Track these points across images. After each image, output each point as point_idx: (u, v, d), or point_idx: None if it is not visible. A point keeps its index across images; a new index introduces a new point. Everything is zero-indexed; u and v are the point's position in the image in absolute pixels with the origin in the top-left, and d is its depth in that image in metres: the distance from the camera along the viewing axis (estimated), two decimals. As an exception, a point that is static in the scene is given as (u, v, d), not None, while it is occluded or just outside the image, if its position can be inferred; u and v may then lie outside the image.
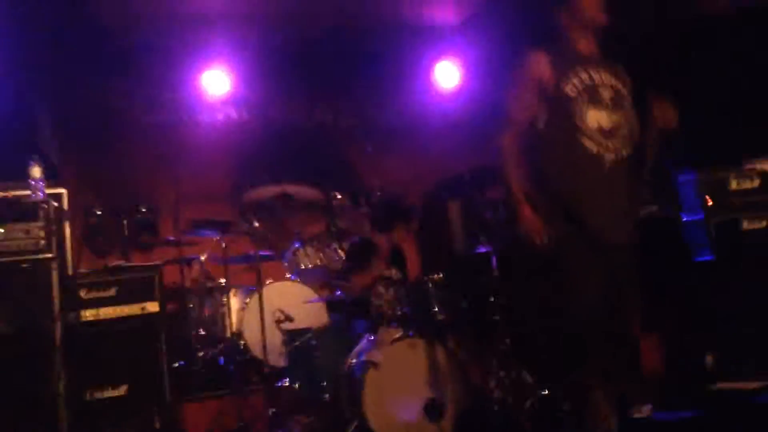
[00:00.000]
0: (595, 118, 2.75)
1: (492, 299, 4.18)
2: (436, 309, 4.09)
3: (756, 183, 4.47)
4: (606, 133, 2.76)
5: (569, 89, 2.78)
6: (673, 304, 4.34)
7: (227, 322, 4.89)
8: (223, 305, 4.95)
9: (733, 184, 4.42)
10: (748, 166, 4.51)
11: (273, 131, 6.34)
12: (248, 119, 6.38)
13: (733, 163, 4.50)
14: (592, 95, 2.77)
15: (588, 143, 2.75)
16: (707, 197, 4.33)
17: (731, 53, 5.24)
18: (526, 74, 2.84)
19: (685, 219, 4.47)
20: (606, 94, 2.80)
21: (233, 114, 6.38)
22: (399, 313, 4.16)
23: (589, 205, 2.75)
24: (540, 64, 2.81)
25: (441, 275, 4.15)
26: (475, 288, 4.21)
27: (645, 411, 2.96)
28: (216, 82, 6.15)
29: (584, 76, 2.80)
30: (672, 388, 4.08)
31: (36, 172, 3.79)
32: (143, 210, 5.45)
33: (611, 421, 2.75)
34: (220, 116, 6.37)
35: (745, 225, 4.40)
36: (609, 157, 2.77)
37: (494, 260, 4.20)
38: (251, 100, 6.40)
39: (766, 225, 4.38)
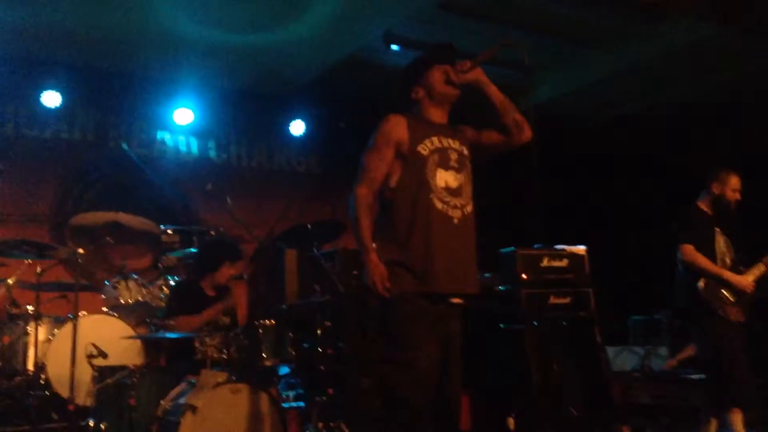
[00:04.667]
0: (444, 178, 2.99)
1: (320, 350, 4.21)
2: (264, 355, 4.05)
3: (564, 262, 4.98)
4: (453, 192, 3.00)
5: (422, 150, 3.01)
6: (483, 367, 4.64)
7: (29, 353, 4.48)
8: (26, 335, 4.53)
9: (545, 262, 4.90)
10: (559, 248, 5.02)
11: (108, 156, 6.04)
12: (81, 140, 6.03)
13: (546, 244, 5.00)
14: (442, 157, 3.03)
15: (436, 201, 2.96)
16: (522, 271, 4.76)
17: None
18: (386, 134, 3.02)
19: (502, 289, 4.85)
20: (453, 157, 3.06)
21: (65, 133, 6.01)
22: (225, 356, 4.06)
23: (436, 259, 2.91)
24: (399, 127, 3.02)
25: (272, 321, 4.13)
26: (305, 337, 4.23)
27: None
28: (50, 97, 5.81)
29: (435, 139, 3.06)
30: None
31: None
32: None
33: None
34: (48, 133, 5.98)
35: (552, 299, 4.87)
36: (456, 213, 2.99)
37: (327, 311, 4.26)
38: (87, 120, 6.08)
39: (569, 300, 4.87)
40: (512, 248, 4.87)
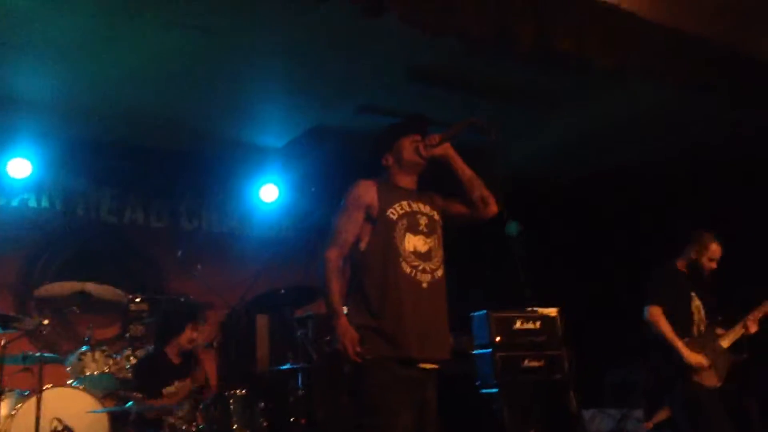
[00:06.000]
0: (412, 242, 3.01)
1: (293, 419, 4.13)
2: (235, 426, 3.96)
3: (537, 324, 4.99)
4: (422, 257, 3.01)
5: (391, 214, 3.04)
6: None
7: (-10, 430, 4.30)
8: (-12, 410, 4.37)
9: (518, 324, 4.90)
10: (531, 310, 5.04)
11: (76, 225, 5.99)
12: (49, 209, 5.97)
13: (518, 307, 5.02)
14: (411, 221, 3.06)
15: (405, 266, 2.97)
16: (496, 334, 4.75)
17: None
18: (356, 198, 3.06)
19: (475, 353, 4.83)
20: (422, 221, 3.08)
21: (32, 202, 5.96)
22: (194, 429, 3.95)
23: (406, 324, 2.90)
24: (369, 191, 3.06)
25: (243, 390, 4.05)
26: (278, 405, 4.14)
27: None
28: (17, 167, 5.78)
29: (405, 204, 3.09)
30: None
31: None
32: None
33: None
34: (16, 202, 5.92)
35: (526, 362, 4.85)
36: (425, 278, 3.00)
37: (300, 378, 4.19)
38: (56, 190, 6.03)
39: (543, 363, 4.86)
40: (484, 311, 4.88)
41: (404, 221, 3.04)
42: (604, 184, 7.32)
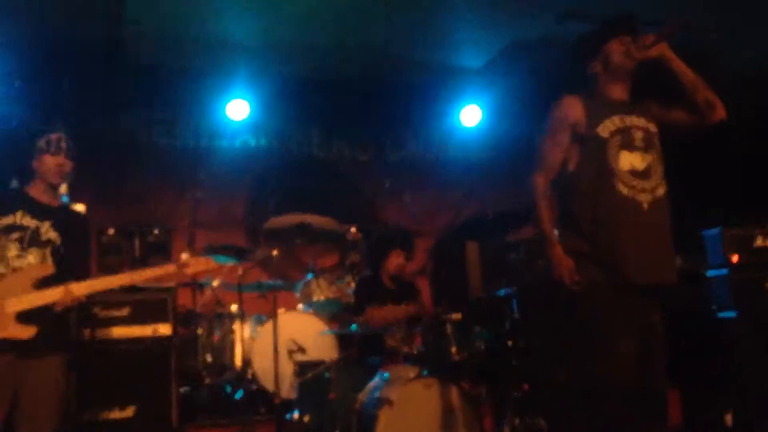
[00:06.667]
0: (628, 160, 2.78)
1: (510, 343, 4.12)
2: (453, 349, 4.02)
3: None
4: (640, 175, 2.78)
5: (602, 131, 2.81)
6: (694, 360, 4.28)
7: (236, 350, 4.80)
8: (232, 333, 4.87)
9: (759, 241, 4.40)
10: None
11: (291, 161, 6.35)
12: (266, 147, 6.38)
13: (758, 220, 4.49)
14: (625, 138, 2.81)
15: (621, 186, 2.75)
16: (732, 254, 4.31)
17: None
18: (560, 117, 2.86)
19: (709, 274, 4.43)
20: (638, 136, 2.82)
21: (251, 141, 6.39)
22: (414, 351, 4.08)
23: (625, 249, 2.72)
24: (574, 108, 2.85)
25: (459, 315, 4.09)
26: (494, 330, 4.15)
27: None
28: (236, 109, 6.20)
29: (616, 119, 2.84)
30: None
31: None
32: (156, 231, 5.39)
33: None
34: (238, 143, 6.38)
35: (768, 284, 4.37)
36: (645, 198, 2.77)
37: (515, 303, 4.15)
38: (270, 128, 6.41)
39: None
40: (718, 228, 4.43)
41: (617, 138, 2.80)
42: None
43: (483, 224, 4.61)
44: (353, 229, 5.45)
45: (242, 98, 6.19)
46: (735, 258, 4.32)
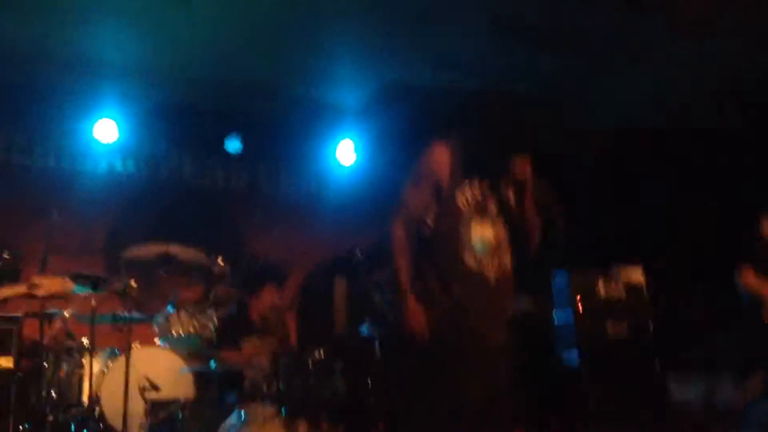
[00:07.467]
0: (479, 231, 2.79)
1: (370, 383, 4.15)
2: (314, 388, 4.00)
3: (621, 287, 4.80)
4: (489, 247, 2.80)
5: (459, 198, 2.81)
6: (541, 402, 4.48)
7: (84, 386, 4.53)
8: (81, 367, 4.59)
9: (602, 286, 4.73)
10: (616, 272, 4.84)
11: (160, 188, 6.15)
12: (135, 172, 6.15)
13: (602, 268, 4.82)
14: (479, 207, 2.82)
15: (468, 257, 2.77)
16: (578, 300, 4.60)
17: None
18: (426, 168, 2.85)
19: (556, 318, 4.70)
20: (492, 207, 2.85)
21: (119, 165, 6.15)
22: (274, 389, 4.03)
23: (470, 311, 2.76)
24: (441, 162, 2.83)
25: (321, 353, 4.09)
26: (355, 369, 4.17)
27: None
28: (104, 131, 5.96)
29: (476, 187, 2.84)
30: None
31: None
32: (6, 256, 5.03)
33: None
34: (104, 166, 6.12)
35: (609, 327, 4.69)
36: (491, 270, 2.80)
37: (377, 342, 4.20)
38: (141, 153, 6.20)
39: (628, 327, 4.69)
40: (567, 272, 4.72)
41: (472, 207, 2.81)
42: (696, 140, 6.93)
43: (352, 262, 4.65)
44: (221, 261, 5.34)
45: (111, 120, 5.96)
46: (580, 302, 4.61)
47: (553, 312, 4.71)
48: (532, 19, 5.08)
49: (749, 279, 3.98)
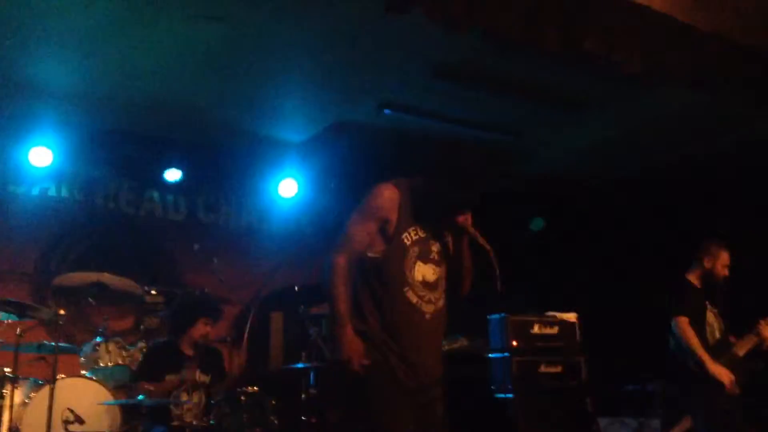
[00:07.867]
0: (421, 271, 2.86)
1: (304, 418, 4.09)
2: (246, 423, 3.92)
3: (555, 330, 4.91)
4: (429, 286, 2.87)
5: (405, 239, 2.87)
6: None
7: (4, 418, 4.30)
8: (2, 397, 4.37)
9: (536, 329, 4.83)
10: (550, 314, 4.96)
11: (94, 215, 6.00)
12: (69, 198, 5.99)
13: (537, 311, 4.94)
14: (423, 249, 2.88)
15: (411, 295, 2.83)
16: (513, 339, 4.68)
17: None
18: (375, 206, 2.87)
19: (491, 357, 4.76)
20: (435, 249, 2.92)
21: (52, 191, 5.98)
22: (203, 424, 3.92)
23: (406, 346, 2.80)
24: (390, 202, 2.86)
25: (255, 388, 4.01)
26: (290, 404, 4.10)
27: None
28: (38, 155, 5.79)
29: (420, 229, 2.89)
30: None
31: None
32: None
33: None
34: (36, 191, 5.94)
35: (542, 368, 4.78)
36: (429, 308, 2.87)
37: (312, 377, 4.15)
38: (76, 179, 6.05)
39: (561, 369, 4.78)
40: (502, 314, 4.81)
41: (416, 248, 2.87)
42: (629, 187, 7.20)
43: (290, 296, 4.61)
44: (153, 292, 5.22)
45: (46, 145, 5.79)
46: (515, 342, 4.69)
47: (488, 349, 4.78)
48: (476, 66, 5.24)
49: (684, 328, 4.12)
